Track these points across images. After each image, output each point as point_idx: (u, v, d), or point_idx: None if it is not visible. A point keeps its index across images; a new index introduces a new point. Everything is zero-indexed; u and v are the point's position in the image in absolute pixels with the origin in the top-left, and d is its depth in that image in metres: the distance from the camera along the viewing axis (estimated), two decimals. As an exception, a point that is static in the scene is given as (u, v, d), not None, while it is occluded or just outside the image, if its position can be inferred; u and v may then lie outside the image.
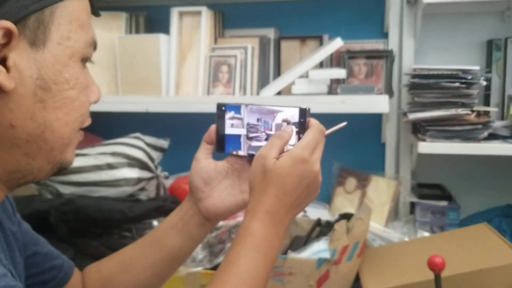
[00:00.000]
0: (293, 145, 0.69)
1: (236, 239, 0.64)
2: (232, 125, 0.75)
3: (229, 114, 0.75)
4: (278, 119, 0.72)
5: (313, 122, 0.70)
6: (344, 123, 0.74)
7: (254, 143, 0.74)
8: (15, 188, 0.60)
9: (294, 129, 0.70)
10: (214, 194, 0.76)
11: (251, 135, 0.74)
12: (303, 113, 0.70)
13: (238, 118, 0.75)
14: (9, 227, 0.68)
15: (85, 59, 0.59)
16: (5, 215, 0.69)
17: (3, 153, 0.54)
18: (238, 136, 0.75)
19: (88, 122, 0.62)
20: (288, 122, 0.71)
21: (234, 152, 0.76)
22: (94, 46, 0.60)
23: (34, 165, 0.57)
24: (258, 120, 0.74)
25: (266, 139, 0.72)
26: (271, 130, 0.72)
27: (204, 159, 0.76)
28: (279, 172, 0.65)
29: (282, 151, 0.68)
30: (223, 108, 0.76)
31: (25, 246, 0.73)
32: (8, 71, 0.51)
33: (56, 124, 0.56)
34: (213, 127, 0.77)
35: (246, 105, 0.74)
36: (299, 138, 0.69)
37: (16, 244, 0.69)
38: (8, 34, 0.50)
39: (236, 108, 0.75)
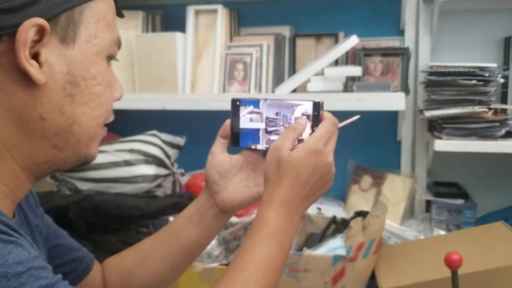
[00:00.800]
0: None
1: (252, 228, 0.66)
2: (251, 120, 0.76)
3: (247, 109, 0.76)
4: (298, 112, 0.73)
5: (326, 115, 0.71)
6: (357, 116, 0.75)
7: (273, 137, 0.75)
8: (41, 179, 0.62)
9: (308, 122, 0.71)
10: (229, 187, 0.78)
11: (270, 129, 0.75)
12: (317, 106, 0.71)
13: (257, 113, 0.76)
14: (33, 220, 0.70)
15: (110, 57, 0.62)
16: (29, 209, 0.71)
17: (33, 145, 0.57)
18: (257, 130, 0.76)
19: (111, 118, 0.64)
20: (309, 116, 0.72)
21: (253, 146, 0.77)
22: (118, 44, 0.63)
23: (61, 156, 0.59)
24: (277, 114, 0.75)
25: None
26: (290, 123, 0.73)
27: (219, 153, 0.78)
28: (294, 163, 0.66)
29: (296, 143, 0.69)
30: (238, 103, 0.77)
31: (48, 239, 0.75)
32: (40, 66, 0.53)
33: (83, 118, 0.58)
34: (228, 122, 0.78)
35: (265, 99, 0.75)
36: (313, 131, 0.70)
37: (40, 236, 0.71)
38: (41, 31, 0.53)
39: (255, 102, 0.76)
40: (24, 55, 0.52)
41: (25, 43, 0.51)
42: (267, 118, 0.75)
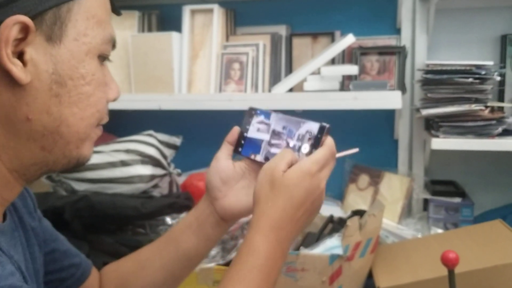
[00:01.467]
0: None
1: (239, 255, 0.63)
2: (258, 129, 0.76)
3: (257, 118, 0.76)
4: (303, 129, 0.72)
5: (328, 141, 0.70)
6: (356, 150, 0.75)
7: (274, 150, 0.74)
8: (32, 181, 0.61)
9: (310, 142, 0.71)
10: (230, 194, 0.76)
11: (273, 141, 0.75)
12: (322, 129, 0.70)
13: (266, 124, 0.76)
14: (29, 223, 0.69)
15: (102, 56, 0.60)
16: (26, 211, 0.70)
17: (20, 146, 0.55)
18: (260, 141, 0.76)
19: (106, 119, 0.62)
20: (312, 137, 0.71)
21: (253, 156, 0.76)
22: (112, 43, 0.61)
23: (50, 158, 0.58)
24: (283, 128, 0.74)
25: (286, 147, 0.73)
26: (292, 139, 0.73)
27: (224, 159, 0.77)
28: (287, 183, 0.64)
29: (290, 166, 0.67)
30: (253, 112, 0.77)
31: (45, 242, 0.74)
32: (24, 65, 0.52)
33: (72, 118, 0.56)
34: (236, 129, 0.78)
35: (277, 112, 0.75)
36: (310, 152, 0.70)
37: (35, 239, 0.70)
38: (25, 29, 0.51)
39: (267, 114, 0.76)
40: (5, 53, 0.50)
41: (7, 42, 0.50)
42: (273, 131, 0.75)
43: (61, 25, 0.54)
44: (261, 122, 0.76)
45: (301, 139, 0.72)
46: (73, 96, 0.56)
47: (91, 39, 0.57)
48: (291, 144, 0.73)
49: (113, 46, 0.61)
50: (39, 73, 0.53)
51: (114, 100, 0.63)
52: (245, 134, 0.77)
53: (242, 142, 0.77)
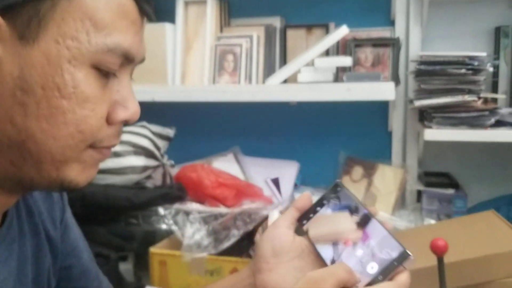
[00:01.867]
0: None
1: None
2: (334, 209, 0.66)
3: (339, 198, 0.65)
4: (381, 242, 0.58)
5: (402, 278, 0.55)
6: None
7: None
8: (22, 194, 0.56)
9: (379, 265, 0.57)
10: (278, 270, 0.63)
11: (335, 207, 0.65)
12: (402, 257, 0.56)
13: (345, 208, 0.64)
14: (48, 230, 0.64)
15: (103, 69, 0.48)
16: (48, 216, 0.65)
17: None
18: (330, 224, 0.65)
19: (107, 142, 0.51)
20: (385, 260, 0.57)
21: (315, 237, 0.64)
22: (121, 55, 0.49)
23: (23, 176, 0.50)
24: (362, 225, 0.61)
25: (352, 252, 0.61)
26: (364, 245, 0.60)
27: (284, 227, 0.65)
28: None
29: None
30: (339, 188, 0.66)
31: (63, 256, 0.68)
32: None
33: (40, 135, 0.47)
34: (307, 195, 0.68)
35: (365, 206, 0.63)
36: (376, 278, 0.56)
37: (50, 250, 0.65)
38: None
39: (351, 198, 0.65)
40: None
41: None
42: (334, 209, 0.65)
43: (39, 22, 0.45)
44: (341, 203, 0.65)
45: (373, 252, 0.58)
46: (43, 109, 0.46)
47: (80, 44, 0.46)
48: (359, 251, 0.59)
49: (129, 59, 0.51)
50: (3, 75, 0.45)
51: (127, 121, 0.53)
52: (317, 208, 0.65)
53: (311, 215, 0.65)
